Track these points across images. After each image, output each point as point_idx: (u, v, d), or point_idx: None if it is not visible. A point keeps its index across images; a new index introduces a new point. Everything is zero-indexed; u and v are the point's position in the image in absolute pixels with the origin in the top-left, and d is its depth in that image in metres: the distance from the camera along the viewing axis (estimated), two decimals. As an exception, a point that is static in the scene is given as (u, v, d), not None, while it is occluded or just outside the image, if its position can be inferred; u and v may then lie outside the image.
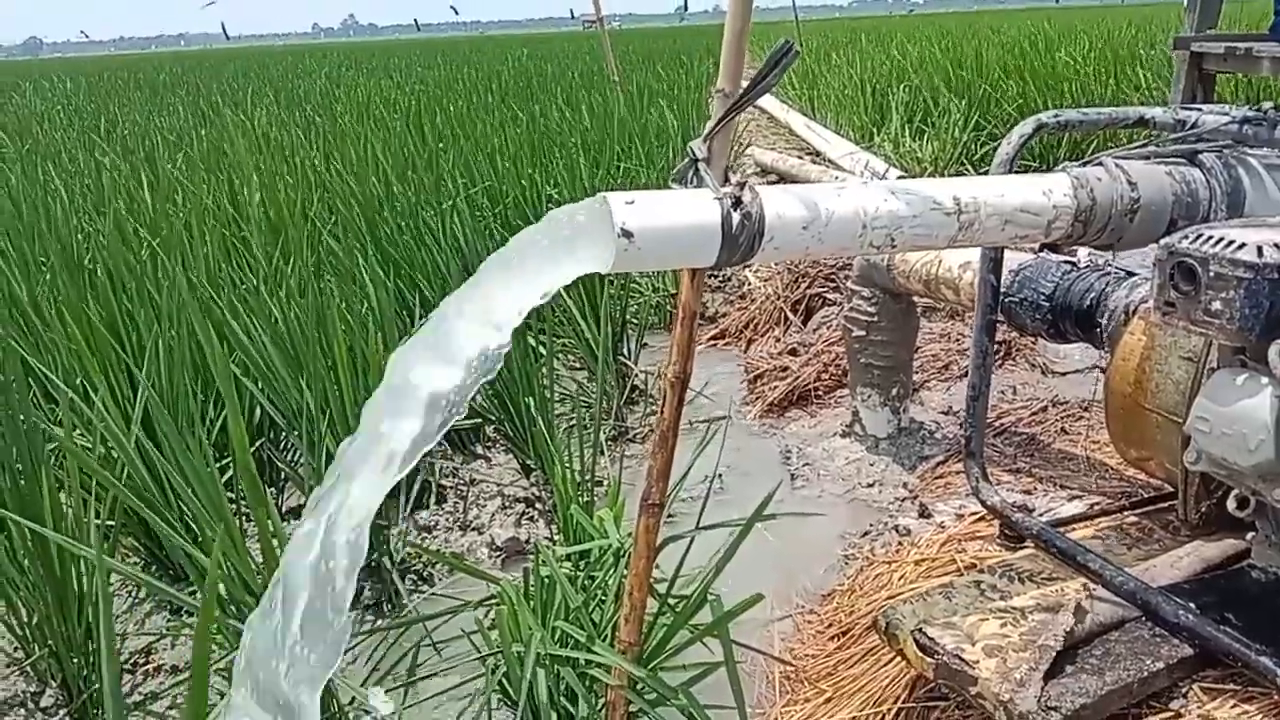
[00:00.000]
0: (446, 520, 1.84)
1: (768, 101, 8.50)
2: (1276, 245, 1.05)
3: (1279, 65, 3.39)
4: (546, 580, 1.17)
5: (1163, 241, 1.14)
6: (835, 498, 1.96)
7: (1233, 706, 1.08)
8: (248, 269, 2.51)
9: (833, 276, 2.75)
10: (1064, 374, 2.27)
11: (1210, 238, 1.09)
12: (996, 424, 2.00)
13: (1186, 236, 1.11)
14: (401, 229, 2.56)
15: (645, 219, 0.97)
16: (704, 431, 2.33)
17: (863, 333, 2.07)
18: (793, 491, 2.00)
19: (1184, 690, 1.12)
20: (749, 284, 3.33)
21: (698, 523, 1.43)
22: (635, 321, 2.97)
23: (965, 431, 1.45)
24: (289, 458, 1.98)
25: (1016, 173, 1.41)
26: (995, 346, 2.16)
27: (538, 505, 1.90)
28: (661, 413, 1.12)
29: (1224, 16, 4.98)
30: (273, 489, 1.94)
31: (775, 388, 2.48)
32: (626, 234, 0.95)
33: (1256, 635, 1.13)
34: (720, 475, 2.05)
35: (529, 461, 1.99)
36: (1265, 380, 1.06)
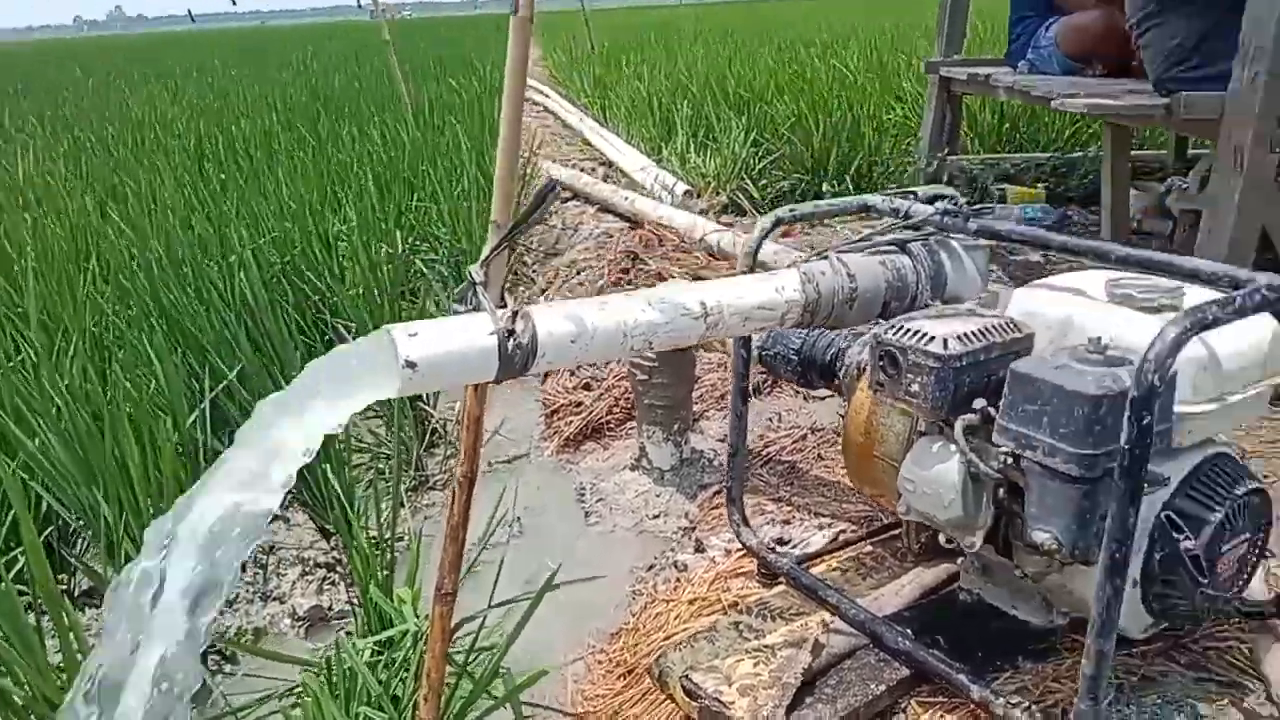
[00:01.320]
0: (246, 591, 1.88)
1: (562, 107, 8.64)
2: (958, 337, 1.27)
3: (1012, 92, 3.78)
4: (349, 670, 1.27)
5: (873, 331, 1.35)
6: (625, 531, 2.13)
7: (940, 718, 1.31)
8: (22, 345, 2.41)
9: (619, 312, 2.92)
10: (823, 399, 2.53)
11: (908, 330, 1.30)
12: (763, 453, 2.21)
13: (891, 328, 1.33)
14: (186, 290, 2.52)
15: (428, 349, 1.08)
16: (504, 472, 2.45)
17: (645, 377, 2.24)
18: (587, 529, 2.16)
19: (903, 706, 1.34)
20: (544, 313, 3.45)
21: (497, 573, 1.57)
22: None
23: (727, 483, 1.64)
24: (80, 551, 1.95)
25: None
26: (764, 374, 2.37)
27: (339, 569, 1.97)
28: (451, 509, 1.24)
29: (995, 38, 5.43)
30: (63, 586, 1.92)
31: (570, 422, 2.63)
32: (410, 365, 1.06)
33: (959, 652, 1.36)
34: (519, 519, 2.18)
35: (328, 526, 2.06)
36: (954, 449, 1.28)
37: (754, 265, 1.53)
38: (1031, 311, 1.37)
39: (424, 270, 3.48)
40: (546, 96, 9.91)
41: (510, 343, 1.12)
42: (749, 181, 5.03)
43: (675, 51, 11.93)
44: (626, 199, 4.50)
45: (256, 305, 2.52)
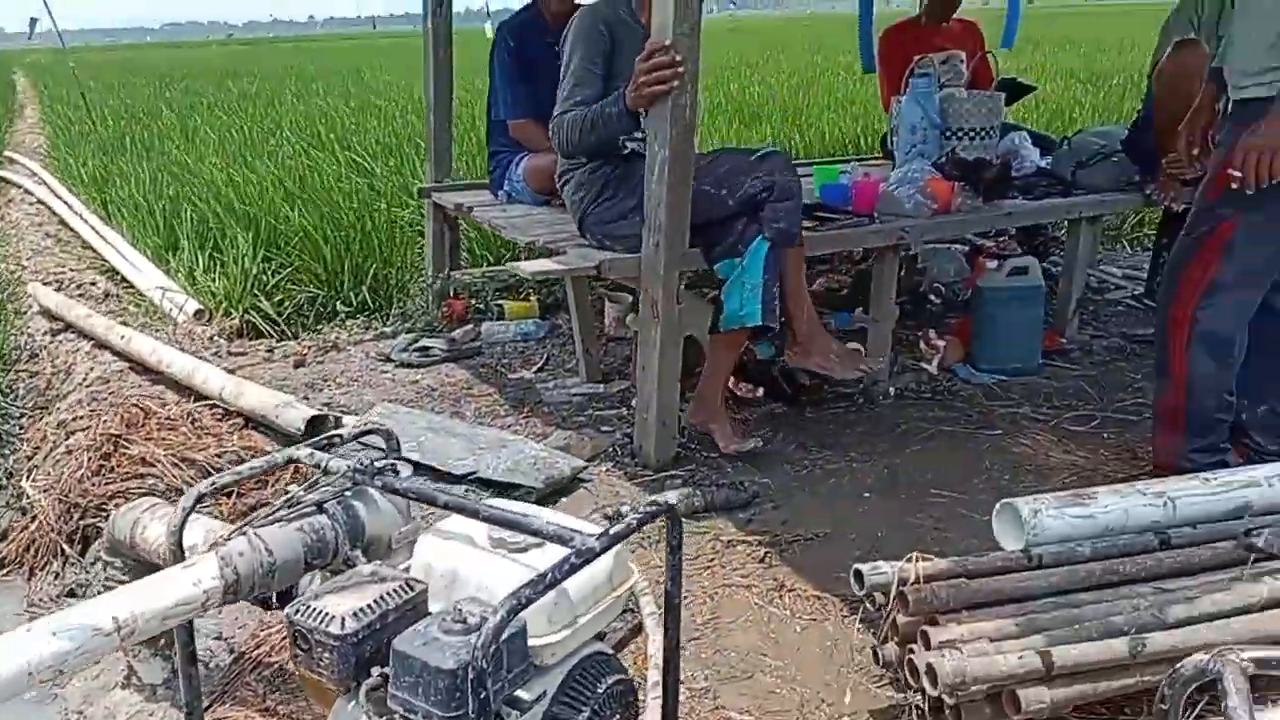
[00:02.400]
0: None
1: (62, 201, 7.86)
2: (355, 614, 1.48)
3: (491, 225, 4.14)
4: None
5: (286, 610, 1.52)
6: (113, 767, 2.12)
7: None
8: None
9: (104, 507, 2.84)
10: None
11: (312, 611, 1.48)
12: (254, 655, 2.30)
13: (298, 609, 1.50)
14: None
15: None
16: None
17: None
18: (72, 771, 2.11)
19: None
20: (28, 495, 3.22)
21: None
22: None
23: (188, 740, 1.73)
24: None
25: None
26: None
27: None
28: None
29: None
30: None
31: (53, 638, 2.52)
32: None
33: None
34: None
35: None
36: (364, 708, 1.49)
37: (179, 547, 1.63)
38: (428, 563, 1.61)
39: None
40: (42, 184, 8.99)
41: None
42: (263, 298, 5.00)
43: (190, 122, 11.38)
44: (123, 338, 4.29)
45: None
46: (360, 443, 2.19)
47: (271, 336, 4.72)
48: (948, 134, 4.12)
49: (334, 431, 1.86)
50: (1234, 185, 2.57)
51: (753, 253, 3.02)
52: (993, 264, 3.83)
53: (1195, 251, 2.73)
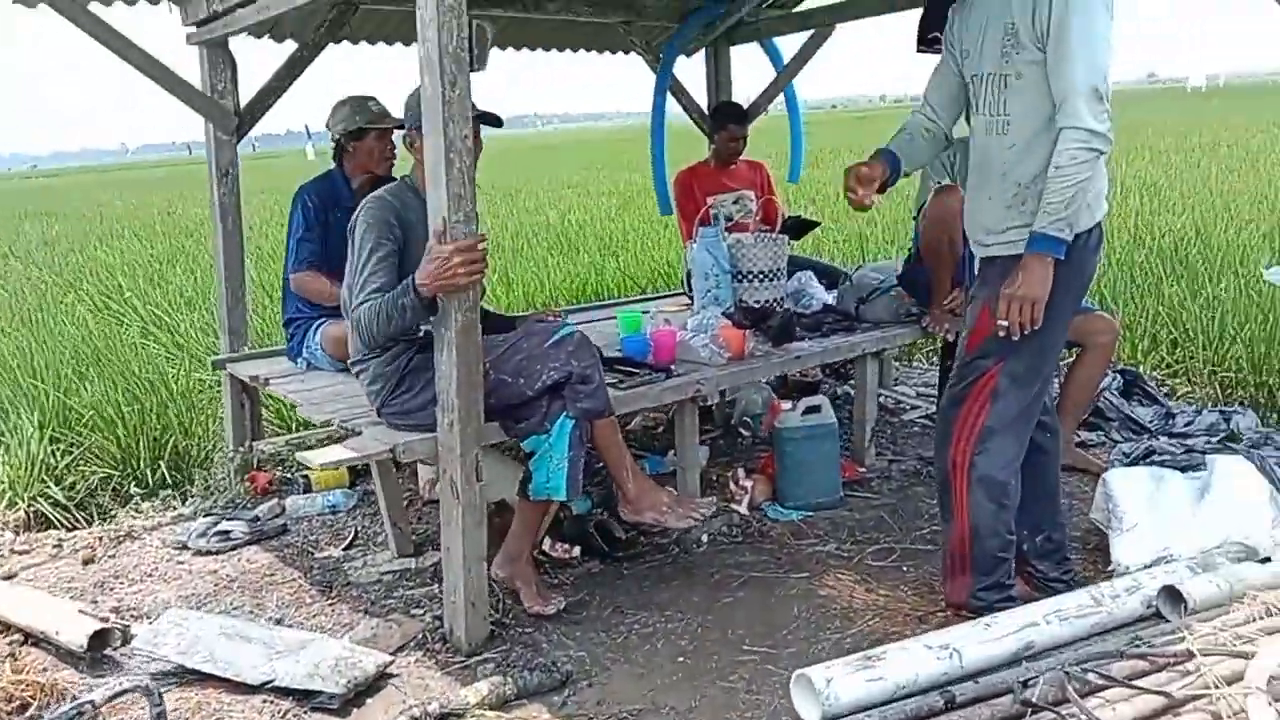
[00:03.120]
0: None
1: None
2: None
3: (292, 400, 4.03)
4: None
5: None
6: None
7: None
8: None
9: None
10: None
11: None
12: None
13: None
14: None
15: None
16: None
17: None
18: None
19: None
20: None
21: None
22: None
23: None
24: None
25: None
26: None
27: None
28: None
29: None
30: None
31: None
32: None
33: None
34: None
35: None
36: None
37: None
38: None
39: None
40: None
41: None
42: (52, 486, 4.66)
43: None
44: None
45: None
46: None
47: (62, 526, 4.40)
48: (739, 277, 4.30)
49: (83, 700, 1.73)
50: (1001, 333, 2.74)
51: (558, 429, 3.05)
52: (787, 405, 3.97)
53: (964, 400, 2.89)
